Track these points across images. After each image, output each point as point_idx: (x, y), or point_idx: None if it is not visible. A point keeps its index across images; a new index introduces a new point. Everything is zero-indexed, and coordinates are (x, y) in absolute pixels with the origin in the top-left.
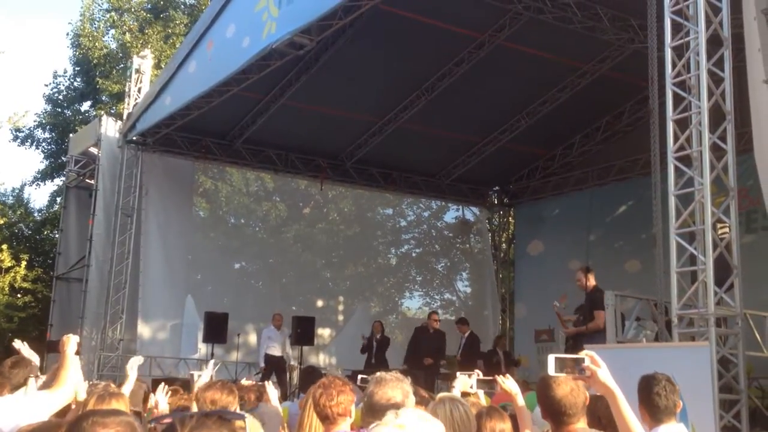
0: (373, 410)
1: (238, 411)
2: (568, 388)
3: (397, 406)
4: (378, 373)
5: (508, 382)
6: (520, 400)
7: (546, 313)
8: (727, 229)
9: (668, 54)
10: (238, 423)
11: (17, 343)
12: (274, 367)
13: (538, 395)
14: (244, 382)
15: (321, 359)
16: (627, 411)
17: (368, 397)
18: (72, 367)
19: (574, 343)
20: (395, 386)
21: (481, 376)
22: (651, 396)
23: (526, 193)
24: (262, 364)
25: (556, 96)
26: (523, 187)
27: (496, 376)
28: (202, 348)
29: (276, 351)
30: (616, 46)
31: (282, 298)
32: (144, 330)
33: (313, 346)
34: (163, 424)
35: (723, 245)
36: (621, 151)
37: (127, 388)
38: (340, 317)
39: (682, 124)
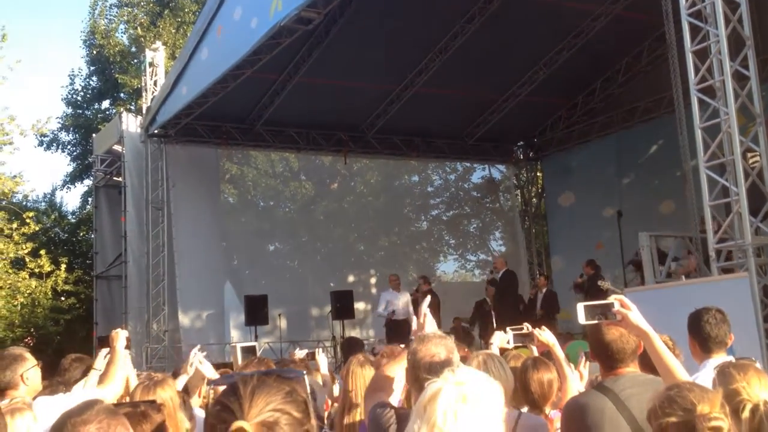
0: (418, 367)
1: None
2: (618, 334)
3: (442, 363)
4: (420, 333)
5: (544, 334)
6: (558, 351)
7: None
8: (757, 158)
9: None
10: (298, 381)
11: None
12: (398, 333)
13: (589, 339)
14: (298, 353)
15: (361, 333)
16: (664, 350)
17: (412, 354)
18: (121, 363)
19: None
20: (439, 343)
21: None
22: (700, 324)
23: (552, 145)
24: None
25: (571, 43)
26: (548, 139)
27: (533, 329)
28: (235, 335)
29: (398, 315)
30: None
31: (318, 275)
32: (185, 319)
33: (353, 319)
34: (221, 385)
35: (755, 174)
36: (644, 91)
37: (182, 381)
38: (374, 290)
39: (702, 55)
